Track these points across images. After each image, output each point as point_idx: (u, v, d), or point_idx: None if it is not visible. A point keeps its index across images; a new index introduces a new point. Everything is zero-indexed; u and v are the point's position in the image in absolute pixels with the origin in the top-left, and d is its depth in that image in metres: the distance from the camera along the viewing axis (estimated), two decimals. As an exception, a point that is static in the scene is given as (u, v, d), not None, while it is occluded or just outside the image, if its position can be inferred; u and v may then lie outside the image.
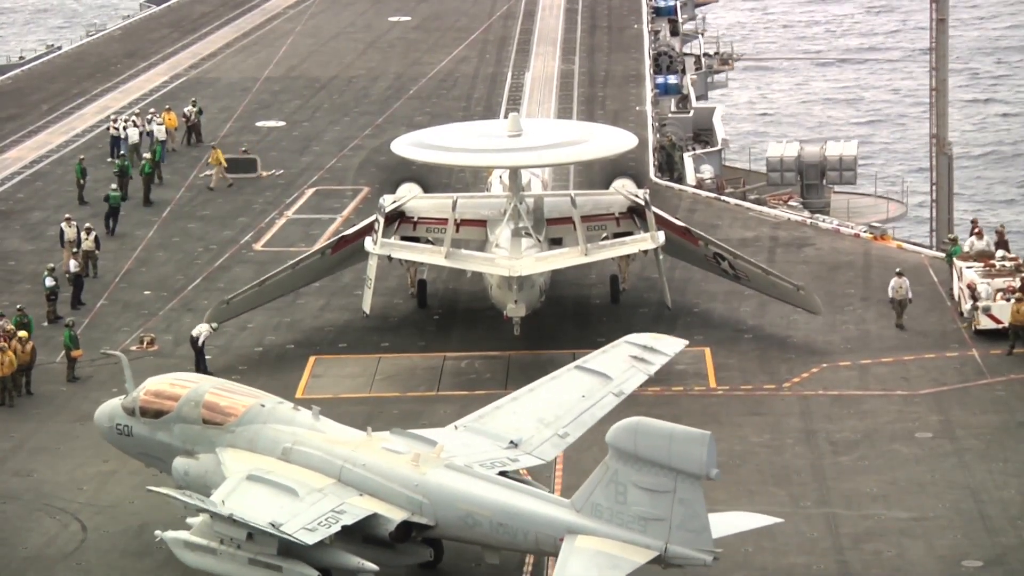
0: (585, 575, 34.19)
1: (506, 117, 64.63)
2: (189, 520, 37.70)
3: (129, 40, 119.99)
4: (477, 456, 38.47)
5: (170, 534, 37.55)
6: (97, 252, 64.38)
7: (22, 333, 52.87)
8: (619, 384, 40.99)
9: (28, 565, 40.35)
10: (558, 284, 58.61)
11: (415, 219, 57.32)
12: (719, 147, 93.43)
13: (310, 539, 35.72)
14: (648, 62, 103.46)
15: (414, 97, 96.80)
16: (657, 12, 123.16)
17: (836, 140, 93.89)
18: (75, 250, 63.60)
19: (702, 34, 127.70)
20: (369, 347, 55.55)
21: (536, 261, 54.21)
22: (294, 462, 38.16)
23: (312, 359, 54.85)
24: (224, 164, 78.26)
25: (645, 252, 56.01)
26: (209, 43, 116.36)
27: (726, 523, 36.26)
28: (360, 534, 36.79)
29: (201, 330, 53.75)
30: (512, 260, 53.75)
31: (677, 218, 61.30)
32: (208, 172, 78.88)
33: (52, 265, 61.18)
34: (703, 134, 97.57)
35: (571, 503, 35.83)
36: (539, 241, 55.77)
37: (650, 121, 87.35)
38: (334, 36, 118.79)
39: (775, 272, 57.67)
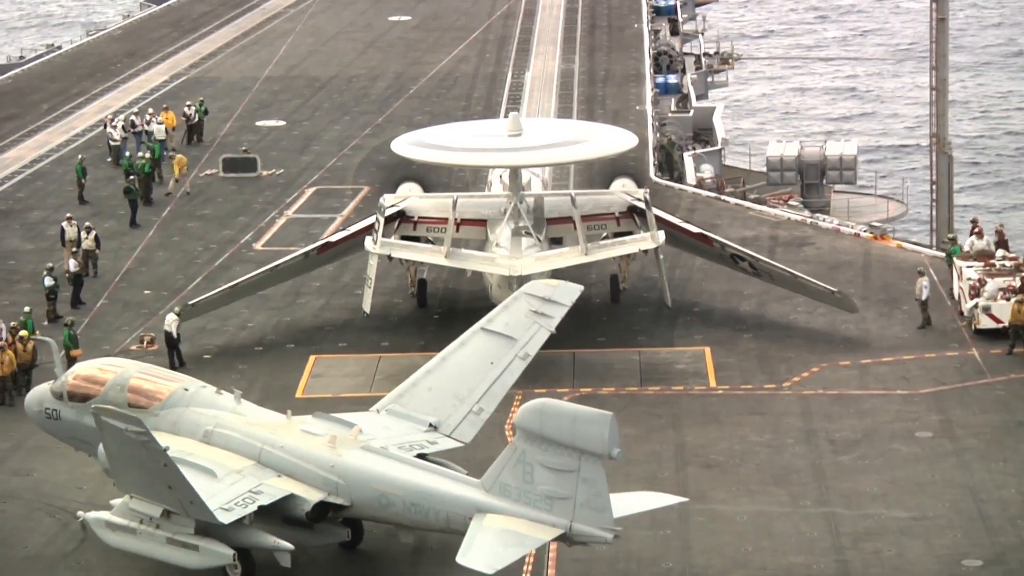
0: (489, 551, 35.09)
1: (506, 117, 64.65)
2: (112, 501, 38.53)
3: (129, 40, 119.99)
4: (397, 439, 39.41)
5: (92, 515, 38.57)
6: (97, 251, 64.42)
7: (23, 332, 52.94)
8: (523, 346, 41.28)
9: (28, 565, 40.39)
10: (558, 284, 58.54)
11: (415, 219, 57.34)
12: (719, 147, 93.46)
13: (226, 518, 36.70)
14: (648, 61, 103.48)
15: (414, 97, 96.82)
16: (657, 12, 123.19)
17: (836, 140, 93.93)
18: (75, 250, 63.61)
19: (702, 34, 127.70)
20: (369, 347, 55.56)
21: (536, 261, 54.23)
22: (215, 444, 39.03)
23: (312, 359, 54.86)
24: (184, 172, 77.93)
25: (645, 252, 56.04)
26: (209, 43, 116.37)
27: (628, 503, 37.25)
28: (279, 515, 37.84)
29: (170, 322, 54.10)
30: (512, 260, 53.78)
31: (687, 220, 61.28)
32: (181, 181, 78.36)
33: (52, 264, 61.20)
34: (703, 134, 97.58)
35: (481, 483, 36.75)
36: (539, 241, 55.78)
37: (650, 121, 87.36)
38: (334, 36, 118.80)
39: (804, 276, 57.67)
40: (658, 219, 57.20)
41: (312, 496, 37.83)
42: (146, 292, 61.38)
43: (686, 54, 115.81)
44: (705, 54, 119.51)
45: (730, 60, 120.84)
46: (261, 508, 37.41)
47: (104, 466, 39.49)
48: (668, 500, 38.57)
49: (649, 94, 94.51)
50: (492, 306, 54.56)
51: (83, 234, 64.14)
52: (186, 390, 40.30)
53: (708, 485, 43.98)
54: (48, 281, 59.24)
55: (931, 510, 42.01)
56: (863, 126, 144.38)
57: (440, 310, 59.69)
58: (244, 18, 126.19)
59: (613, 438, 34.42)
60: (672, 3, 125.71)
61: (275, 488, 37.91)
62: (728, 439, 46.99)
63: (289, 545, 37.31)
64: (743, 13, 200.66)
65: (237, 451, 38.94)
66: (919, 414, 48.52)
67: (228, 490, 37.53)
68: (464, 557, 34.93)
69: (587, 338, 55.99)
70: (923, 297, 55.91)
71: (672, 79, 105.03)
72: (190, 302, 57.35)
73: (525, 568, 39.24)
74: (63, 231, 65.15)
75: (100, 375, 40.87)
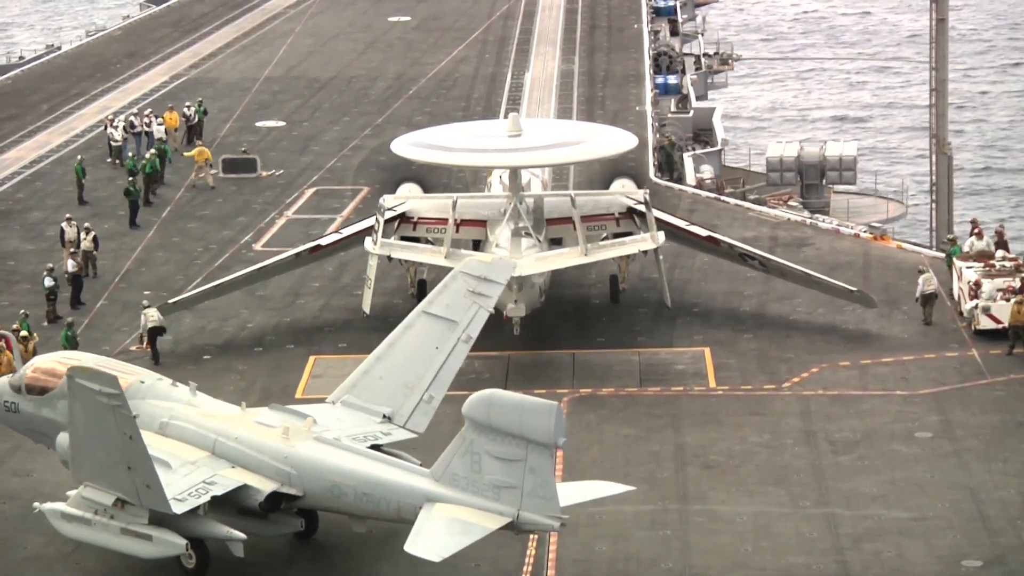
0: (437, 540, 35.67)
1: (506, 117, 64.64)
2: (68, 492, 38.83)
3: (129, 40, 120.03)
4: (351, 430, 39.91)
5: (47, 506, 38.95)
6: (96, 252, 64.41)
7: (23, 333, 52.96)
8: (465, 328, 41.23)
9: (28, 565, 40.40)
10: (558, 284, 58.63)
11: (415, 219, 57.35)
12: (719, 147, 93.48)
13: (179, 509, 37.18)
14: (648, 62, 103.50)
15: (414, 97, 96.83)
16: (657, 12, 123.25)
17: (836, 140, 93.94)
18: (73, 250, 63.60)
19: (702, 34, 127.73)
20: (369, 347, 54.87)
21: (536, 261, 54.23)
22: (170, 436, 39.44)
23: (312, 359, 54.85)
24: (210, 160, 79.00)
25: (645, 252, 56.05)
26: (209, 43, 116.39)
27: (575, 492, 37.80)
28: (234, 505, 38.37)
29: (151, 316, 54.63)
30: (512, 260, 53.69)
31: (692, 222, 61.36)
32: (207, 172, 79.00)
33: (51, 265, 61.21)
34: (703, 134, 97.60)
35: (431, 473, 37.24)
36: (539, 241, 55.78)
37: (650, 121, 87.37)
38: (334, 36, 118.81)
39: (818, 275, 57.94)
40: (665, 223, 57.68)
41: (265, 486, 38.43)
42: (146, 293, 61.33)
43: (686, 55, 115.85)
44: (705, 55, 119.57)
45: (730, 61, 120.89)
46: (216, 499, 38.02)
47: (63, 457, 40.01)
48: (615, 489, 39.19)
49: (649, 95, 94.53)
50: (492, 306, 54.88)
51: (82, 235, 64.14)
52: (142, 382, 40.76)
53: (708, 486, 43.98)
54: (48, 282, 59.25)
55: (931, 511, 41.99)
56: (863, 126, 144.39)
57: (440, 311, 59.62)
58: (244, 19, 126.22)
59: (559, 427, 34.94)
60: (672, 4, 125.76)
61: (229, 479, 38.49)
62: (728, 440, 46.98)
63: (242, 535, 37.84)
64: (744, 16, 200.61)
65: (192, 442, 39.51)
66: (919, 415, 48.51)
67: (182, 481, 38.11)
68: (412, 546, 35.62)
69: (587, 339, 56.00)
70: (921, 293, 56.00)
71: (672, 80, 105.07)
72: (170, 300, 57.91)
73: (525, 569, 39.26)
74: (63, 232, 65.15)
75: (58, 368, 41.19)
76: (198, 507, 37.69)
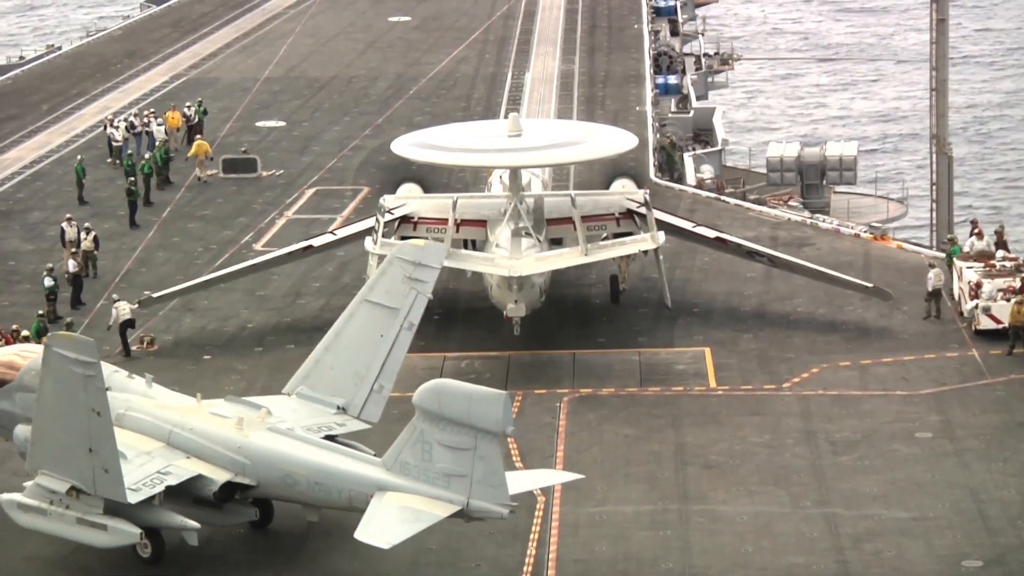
0: (387, 527, 36.35)
1: (506, 117, 64.64)
2: (24, 484, 39.34)
3: (129, 40, 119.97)
4: (306, 421, 40.52)
5: (4, 496, 39.51)
6: (96, 252, 64.42)
7: (25, 333, 53.01)
8: (406, 315, 41.57)
9: (28, 565, 40.43)
10: (558, 284, 58.60)
11: (415, 219, 57.34)
12: (719, 147, 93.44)
13: (133, 498, 37.84)
14: (648, 62, 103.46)
15: (414, 97, 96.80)
16: (657, 12, 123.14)
17: (836, 140, 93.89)
18: (73, 250, 63.61)
19: (702, 34, 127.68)
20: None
21: (536, 261, 54.23)
22: (126, 427, 39.83)
23: (312, 359, 54.80)
24: (210, 153, 79.55)
25: (645, 252, 56.05)
26: (209, 43, 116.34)
27: (523, 480, 38.67)
28: (189, 495, 39.11)
29: (121, 308, 55.20)
30: (512, 260, 53.76)
31: (698, 223, 61.43)
32: (210, 172, 79.24)
33: (51, 265, 61.22)
34: (703, 134, 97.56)
35: (382, 462, 37.83)
36: (539, 241, 55.77)
37: (650, 121, 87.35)
38: (334, 36, 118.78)
39: (830, 271, 58.48)
40: (670, 226, 57.90)
41: (219, 476, 39.12)
42: (146, 293, 61.28)
43: (686, 55, 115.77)
44: (705, 55, 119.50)
45: (730, 61, 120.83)
46: (172, 489, 38.68)
47: (20, 449, 40.49)
48: (564, 477, 40.19)
49: (649, 95, 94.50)
50: (492, 306, 54.96)
51: (82, 235, 64.15)
52: None
53: (708, 486, 43.98)
54: (48, 282, 59.27)
55: (931, 511, 42.00)
56: (863, 127, 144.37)
57: (440, 310, 59.59)
58: (244, 19, 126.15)
59: (507, 417, 35.67)
60: (672, 4, 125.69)
61: (183, 469, 39.19)
62: (728, 440, 46.99)
63: (196, 524, 38.52)
64: (744, 17, 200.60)
65: (147, 433, 40.11)
66: (919, 415, 48.51)
67: (137, 471, 38.69)
68: (362, 533, 36.27)
69: (587, 339, 56.02)
70: (932, 288, 56.26)
71: (672, 80, 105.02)
72: (153, 294, 58.62)
73: (526, 569, 39.27)
74: (63, 232, 65.15)
75: (17, 360, 41.52)
76: (153, 497, 38.33)
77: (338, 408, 41.14)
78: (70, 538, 38.92)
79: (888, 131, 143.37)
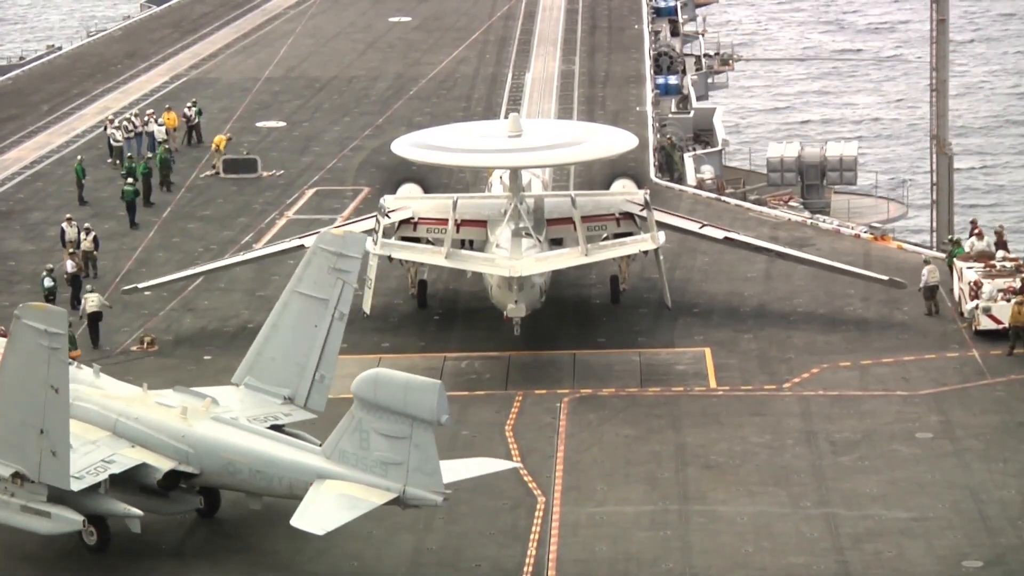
0: (323, 514, 36.96)
1: (506, 117, 64.62)
2: None
3: (129, 40, 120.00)
4: (252, 411, 41.09)
5: None
6: (96, 252, 64.42)
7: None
8: (335, 306, 41.72)
9: (27, 565, 40.41)
10: (558, 284, 58.60)
11: (415, 219, 57.36)
12: (719, 147, 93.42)
13: (76, 486, 38.35)
14: (648, 62, 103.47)
15: (414, 97, 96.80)
16: (657, 12, 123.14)
17: (836, 140, 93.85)
18: (72, 251, 63.58)
19: (702, 35, 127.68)
20: (369, 347, 55.46)
21: (536, 261, 54.22)
22: (73, 417, 39.85)
23: (312, 359, 54.76)
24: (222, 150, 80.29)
25: (645, 253, 56.04)
26: (209, 43, 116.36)
27: (458, 468, 39.01)
28: (135, 483, 39.75)
29: (91, 300, 55.84)
30: (512, 260, 53.75)
31: (704, 223, 61.51)
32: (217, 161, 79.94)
33: (51, 265, 61.22)
34: (703, 134, 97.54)
35: (322, 451, 38.55)
36: (539, 241, 55.76)
37: (650, 121, 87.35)
38: (334, 36, 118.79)
39: (845, 266, 59.23)
40: (674, 227, 58.39)
41: (163, 465, 39.70)
42: (146, 293, 61.31)
43: (686, 55, 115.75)
44: (705, 55, 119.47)
45: (730, 61, 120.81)
46: (118, 477, 39.15)
47: None
48: (498, 466, 40.63)
49: (649, 95, 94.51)
50: (492, 306, 54.94)
51: (82, 235, 64.14)
52: None
53: (708, 486, 43.97)
54: (47, 282, 59.25)
55: (931, 511, 42.00)
56: (863, 127, 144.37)
57: (440, 311, 59.68)
58: (244, 19, 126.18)
59: (442, 405, 36.29)
60: (672, 4, 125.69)
61: (127, 458, 39.80)
62: (728, 440, 46.98)
63: (138, 512, 39.12)
64: (745, 18, 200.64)
65: (94, 422, 40.62)
66: (919, 415, 48.51)
67: (82, 459, 39.15)
68: (299, 520, 36.91)
69: (587, 339, 56.02)
70: (925, 284, 56.32)
71: (672, 80, 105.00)
72: (139, 285, 59.50)
73: (526, 569, 39.27)
74: (63, 232, 65.15)
75: None
76: (98, 485, 38.78)
77: (285, 398, 41.71)
78: (14, 526, 39.34)
79: (888, 131, 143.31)
